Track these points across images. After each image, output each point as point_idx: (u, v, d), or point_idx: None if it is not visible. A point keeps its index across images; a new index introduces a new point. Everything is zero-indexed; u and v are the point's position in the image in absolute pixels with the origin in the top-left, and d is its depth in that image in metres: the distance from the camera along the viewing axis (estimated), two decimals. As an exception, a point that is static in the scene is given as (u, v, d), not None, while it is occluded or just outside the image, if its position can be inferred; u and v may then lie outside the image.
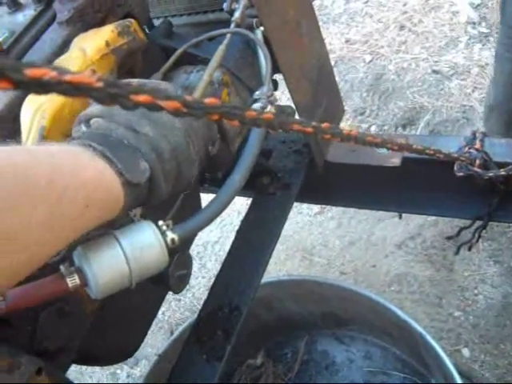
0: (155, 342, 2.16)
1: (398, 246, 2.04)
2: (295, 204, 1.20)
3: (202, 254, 2.38)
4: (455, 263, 1.91)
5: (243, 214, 1.16)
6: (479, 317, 1.76)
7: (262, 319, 1.72)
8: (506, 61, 1.74)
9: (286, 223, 1.13)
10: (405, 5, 2.91)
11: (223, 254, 2.31)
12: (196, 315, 1.04)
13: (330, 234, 2.22)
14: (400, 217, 1.46)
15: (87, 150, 0.55)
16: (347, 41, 2.93)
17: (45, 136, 0.67)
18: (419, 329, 1.35)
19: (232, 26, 0.93)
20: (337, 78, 1.28)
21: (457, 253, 1.36)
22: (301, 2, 1.05)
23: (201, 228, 0.65)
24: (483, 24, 2.63)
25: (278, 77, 1.03)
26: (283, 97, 2.31)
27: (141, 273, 0.57)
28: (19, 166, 0.41)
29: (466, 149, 1.06)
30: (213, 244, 2.41)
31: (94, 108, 0.65)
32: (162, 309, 2.20)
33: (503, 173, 1.01)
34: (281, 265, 2.20)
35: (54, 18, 0.82)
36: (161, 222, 0.60)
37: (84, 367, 2.21)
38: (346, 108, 1.39)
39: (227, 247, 1.09)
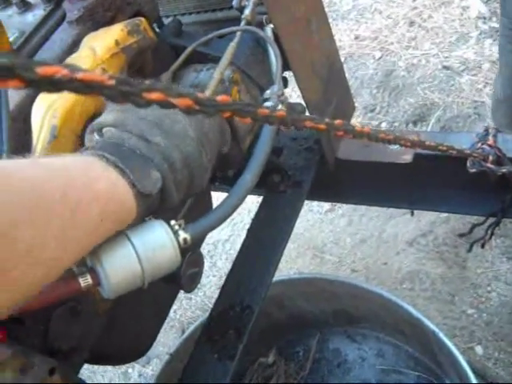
0: (167, 340, 2.17)
1: (409, 244, 2.03)
2: (306, 202, 1.20)
3: (213, 253, 2.38)
4: (468, 260, 1.89)
5: (254, 212, 1.16)
6: (493, 314, 1.74)
7: (274, 318, 1.72)
8: (509, 53, 1.73)
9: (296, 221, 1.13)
10: (414, 0, 2.89)
11: (234, 253, 2.30)
12: (207, 314, 1.03)
13: (340, 232, 2.21)
14: (412, 214, 1.44)
15: (100, 161, 0.55)
16: (356, 37, 2.91)
17: (56, 135, 0.67)
18: (432, 326, 1.34)
19: (242, 23, 0.93)
20: (346, 75, 1.27)
21: (470, 250, 1.35)
22: (310, -1, 1.04)
23: (213, 227, 0.65)
24: (494, 19, 2.61)
25: (288, 74, 1.02)
26: (293, 94, 2.30)
27: (153, 273, 0.57)
28: (34, 180, 0.42)
29: (479, 145, 1.05)
30: (223, 242, 2.41)
31: (107, 116, 0.65)
32: (174, 307, 2.20)
33: (517, 169, 1.00)
34: (292, 263, 2.19)
35: (63, 17, 0.82)
36: (173, 222, 0.60)
37: (96, 366, 2.22)
38: (356, 105, 1.38)
39: (238, 246, 1.09)
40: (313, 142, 1.26)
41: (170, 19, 1.06)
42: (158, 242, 0.57)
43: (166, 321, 1.06)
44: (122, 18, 0.83)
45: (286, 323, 1.77)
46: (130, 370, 2.19)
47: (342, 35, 2.91)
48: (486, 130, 1.09)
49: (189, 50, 0.90)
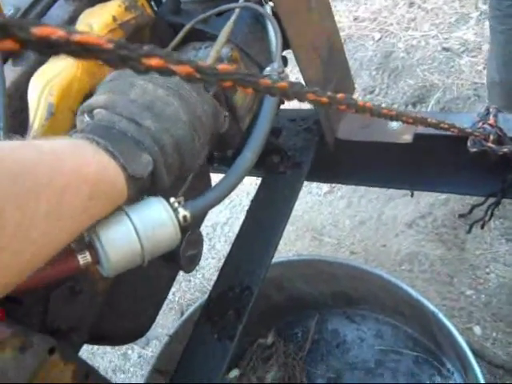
0: (166, 322, 2.17)
1: (408, 225, 2.03)
2: (305, 184, 1.19)
3: (212, 235, 2.38)
4: (467, 242, 1.89)
5: (252, 194, 1.16)
6: (491, 295, 1.75)
7: (273, 299, 1.72)
8: (499, 34, 1.72)
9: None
10: (414, -19, 2.86)
11: (232, 235, 2.31)
12: (207, 296, 1.03)
13: (339, 214, 2.21)
14: (412, 195, 1.44)
15: (91, 144, 0.55)
16: (355, 19, 2.89)
17: (53, 112, 0.66)
18: (432, 307, 1.34)
19: (240, 0, 0.91)
20: (346, 56, 1.26)
21: (469, 231, 1.35)
22: (310, -24, 1.03)
23: (213, 205, 0.64)
24: (494, -1, 2.59)
25: (287, 55, 1.01)
26: (291, 76, 2.28)
27: (153, 250, 0.57)
28: (22, 163, 0.42)
29: (480, 124, 1.05)
30: (222, 225, 2.41)
31: (98, 98, 0.65)
32: (173, 290, 2.21)
33: (518, 148, 1.00)
34: (291, 245, 2.19)
35: (59, -7, 0.81)
36: (172, 199, 0.59)
37: (95, 348, 2.23)
38: (355, 86, 1.37)
39: (236, 228, 1.08)
40: (312, 123, 1.25)
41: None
42: (157, 219, 0.57)
43: (165, 303, 1.06)
44: (119, -6, 0.81)
45: (284, 305, 1.77)
46: (129, 352, 2.20)
47: (341, 16, 2.89)
48: (487, 109, 1.08)
49: (187, 27, 0.89)
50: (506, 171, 1.09)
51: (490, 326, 1.69)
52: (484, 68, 2.36)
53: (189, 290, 2.28)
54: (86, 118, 0.65)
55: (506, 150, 1.00)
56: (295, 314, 1.80)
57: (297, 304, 1.77)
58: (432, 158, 1.19)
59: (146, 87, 0.65)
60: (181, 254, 0.74)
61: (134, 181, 0.57)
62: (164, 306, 1.09)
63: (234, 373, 1.72)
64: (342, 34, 2.72)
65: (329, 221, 2.21)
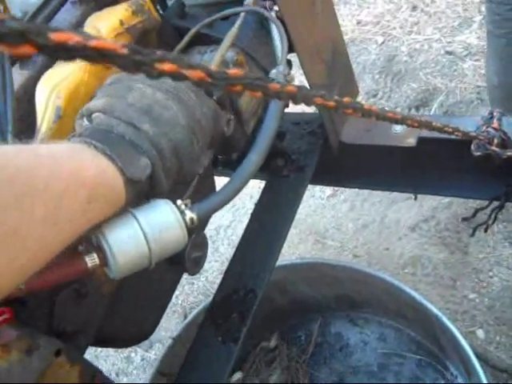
0: (169, 325, 2.17)
1: (411, 229, 2.03)
2: (308, 187, 1.19)
3: (215, 238, 2.38)
4: (470, 245, 1.89)
5: (255, 197, 1.16)
6: (494, 299, 1.75)
7: (276, 302, 1.72)
8: (498, 38, 1.71)
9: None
10: (417, -15, 2.87)
11: (236, 238, 2.31)
12: (211, 298, 1.04)
13: (342, 217, 2.21)
14: (415, 198, 1.44)
15: (89, 148, 0.55)
16: (359, 22, 2.89)
17: (61, 116, 0.66)
18: (435, 310, 1.34)
19: (245, 3, 0.92)
20: (349, 60, 1.26)
21: (473, 234, 1.35)
22: (315, -19, 1.03)
23: (219, 207, 0.65)
24: (497, 3, 2.59)
25: (291, 58, 1.02)
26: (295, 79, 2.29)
27: (160, 253, 0.57)
28: (21, 168, 0.42)
29: (484, 128, 1.05)
30: (225, 228, 2.41)
31: (96, 102, 0.65)
32: (176, 293, 2.20)
33: (522, 152, 1.00)
34: (294, 248, 2.19)
35: (66, -3, 0.81)
36: (179, 202, 0.60)
37: (98, 350, 2.23)
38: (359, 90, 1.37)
39: (239, 231, 1.09)
40: (316, 126, 1.25)
41: (172, 1, 1.05)
42: (164, 222, 0.57)
43: (169, 306, 1.06)
44: (125, -2, 0.82)
45: (288, 308, 1.77)
46: (132, 355, 2.20)
47: (344, 20, 2.90)
48: (491, 113, 1.08)
49: (193, 31, 0.90)
50: (510, 175, 1.09)
51: (493, 330, 1.69)
52: (487, 71, 2.36)
53: (192, 293, 2.28)
54: (85, 121, 0.65)
55: (510, 153, 1.00)
56: (298, 317, 1.80)
57: (300, 307, 1.77)
58: (436, 162, 1.19)
59: (145, 91, 0.65)
60: (186, 257, 0.75)
61: (133, 184, 0.57)
62: (167, 309, 1.09)
63: (237, 375, 1.72)
64: (344, 37, 2.72)
65: (332, 224, 2.21)
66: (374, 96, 2.52)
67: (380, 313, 1.67)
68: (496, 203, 1.18)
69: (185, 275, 1.05)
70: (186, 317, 2.17)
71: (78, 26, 0.76)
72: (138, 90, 0.65)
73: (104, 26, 0.73)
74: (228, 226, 2.41)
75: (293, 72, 1.07)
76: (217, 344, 0.96)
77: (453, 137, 0.91)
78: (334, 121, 1.15)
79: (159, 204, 0.59)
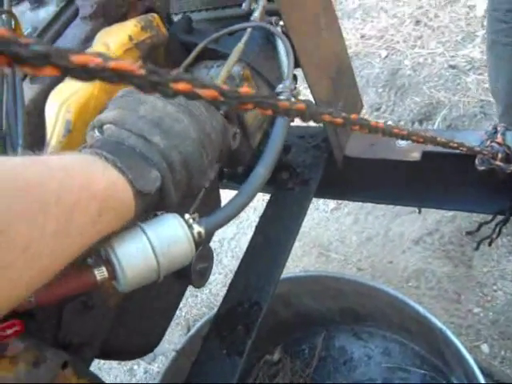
0: (172, 338, 2.17)
1: (415, 242, 2.03)
2: (312, 200, 1.20)
3: (219, 251, 2.39)
4: (474, 259, 1.89)
5: (259, 210, 1.17)
6: (499, 313, 1.74)
7: (280, 316, 1.72)
8: (504, 46, 1.70)
9: (303, 219, 1.13)
10: (420, -1, 2.89)
11: (239, 251, 2.31)
12: (215, 311, 1.04)
13: (346, 230, 2.21)
14: (419, 211, 1.45)
15: (100, 160, 0.56)
16: (362, 36, 2.91)
17: (70, 130, 0.67)
18: (439, 324, 1.34)
19: (252, 19, 0.93)
20: (353, 74, 1.27)
21: (477, 248, 1.35)
22: (320, -4, 1.04)
23: (227, 221, 0.65)
24: (500, 18, 2.60)
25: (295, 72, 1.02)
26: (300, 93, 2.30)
27: (168, 266, 0.57)
28: (32, 180, 0.42)
29: (488, 142, 1.05)
30: (229, 240, 2.41)
31: (108, 114, 0.65)
32: (179, 305, 2.21)
33: (526, 167, 1.00)
34: (297, 261, 2.19)
35: (76, 13, 0.82)
36: (187, 216, 0.60)
37: (101, 363, 2.23)
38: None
39: (243, 243, 1.09)
40: (321, 140, 1.26)
41: (179, 16, 1.06)
42: (172, 236, 0.57)
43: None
44: (134, 14, 0.83)
45: (292, 321, 1.77)
46: (135, 367, 2.20)
47: (348, 34, 2.91)
48: (495, 127, 1.09)
49: (200, 46, 0.91)
50: (514, 189, 1.09)
51: (497, 344, 1.69)
52: (490, 86, 2.37)
53: (195, 306, 2.28)
54: (96, 133, 0.66)
55: (514, 168, 1.01)
56: (302, 330, 1.80)
57: (304, 320, 1.76)
58: (440, 176, 1.19)
59: (156, 104, 0.66)
60: (192, 269, 0.75)
61: (142, 196, 0.58)
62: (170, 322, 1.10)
63: (241, 389, 1.71)
64: (348, 51, 2.74)
65: (335, 237, 2.21)
66: (378, 110, 2.53)
67: (384, 326, 1.66)
68: (500, 217, 1.18)
69: (188, 287, 1.05)
70: (189, 329, 2.17)
71: (88, 41, 0.78)
72: (150, 103, 0.65)
73: (113, 41, 0.74)
74: (232, 239, 2.41)
75: (297, 86, 1.08)
76: (222, 357, 0.96)
77: (457, 151, 0.92)
78: (339, 135, 1.16)
79: (168, 218, 0.59)
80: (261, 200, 2.19)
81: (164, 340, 1.03)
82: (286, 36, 0.93)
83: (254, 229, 1.14)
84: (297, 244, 2.20)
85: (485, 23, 2.58)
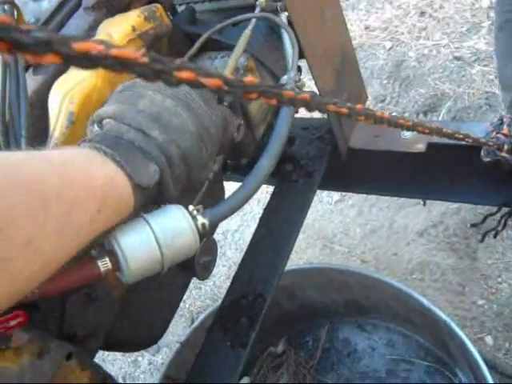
0: (176, 330, 2.18)
1: (419, 234, 2.02)
2: (316, 192, 1.20)
3: (222, 243, 2.39)
4: (478, 251, 1.89)
5: (263, 202, 1.17)
6: (503, 305, 1.74)
7: (284, 308, 1.72)
8: None
9: (307, 211, 1.13)
10: (425, -10, 2.87)
11: (243, 243, 2.31)
12: (219, 303, 1.04)
13: (350, 222, 2.21)
14: (424, 203, 1.44)
15: (99, 154, 0.56)
16: (367, 27, 2.90)
17: (73, 121, 0.67)
18: (444, 316, 1.34)
19: (256, 10, 0.92)
20: (357, 65, 1.27)
21: (482, 240, 1.35)
22: (325, -13, 1.04)
23: (231, 213, 0.65)
24: (506, 9, 2.58)
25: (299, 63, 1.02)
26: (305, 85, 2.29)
27: (172, 258, 0.57)
28: (33, 174, 0.43)
29: (494, 134, 1.05)
30: (233, 233, 2.41)
31: (107, 109, 0.65)
32: (183, 297, 2.22)
33: (532, 158, 1.00)
34: (301, 253, 2.19)
35: (79, 4, 0.82)
36: (191, 207, 0.60)
37: (106, 354, 2.23)
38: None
39: (247, 236, 1.09)
40: (325, 132, 1.25)
41: (182, 7, 1.05)
42: (176, 227, 0.57)
43: (175, 310, 1.07)
44: (137, 5, 0.83)
45: (296, 313, 1.77)
46: (139, 359, 2.21)
47: (352, 25, 2.90)
48: (501, 119, 1.08)
49: (204, 37, 0.90)
50: (520, 181, 1.09)
51: (502, 337, 1.68)
52: (495, 77, 2.35)
53: (199, 298, 2.29)
54: (96, 127, 0.66)
55: (519, 159, 1.00)
56: (306, 322, 1.80)
57: (308, 312, 1.77)
58: (445, 168, 1.19)
59: (155, 98, 0.65)
60: (195, 262, 0.75)
61: (141, 190, 0.58)
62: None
63: (245, 380, 1.72)
64: (353, 42, 2.73)
65: (339, 229, 2.21)
66: (382, 101, 2.52)
67: (388, 318, 1.66)
68: (505, 209, 1.17)
69: (192, 279, 1.05)
70: (193, 321, 2.18)
71: (91, 31, 0.77)
72: (148, 97, 0.65)
73: (116, 31, 0.73)
74: (236, 231, 2.41)
75: (302, 77, 1.08)
76: (225, 349, 0.96)
77: (462, 143, 0.91)
78: (343, 126, 1.15)
79: (171, 209, 0.59)
80: (264, 192, 2.18)
81: (168, 332, 1.03)
82: (290, 26, 0.92)
83: (257, 221, 1.13)
84: (300, 236, 2.19)
85: (491, 14, 2.57)
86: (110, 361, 2.25)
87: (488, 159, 1.03)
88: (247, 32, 0.87)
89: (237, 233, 2.40)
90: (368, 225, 2.16)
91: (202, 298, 2.28)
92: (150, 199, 0.61)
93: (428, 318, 1.41)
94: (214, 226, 0.62)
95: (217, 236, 2.38)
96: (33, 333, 0.66)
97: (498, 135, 1.04)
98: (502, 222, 1.21)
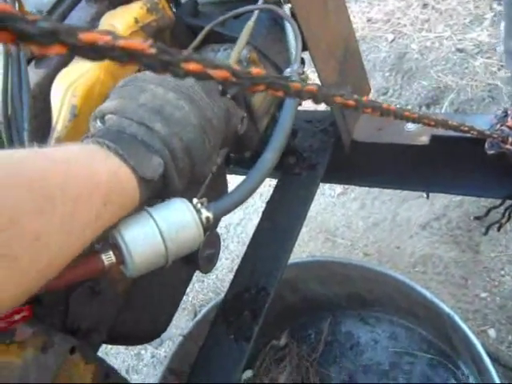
0: (179, 323, 2.18)
1: (422, 227, 2.02)
2: (319, 185, 1.19)
3: (225, 236, 2.39)
4: (481, 244, 1.88)
5: (265, 195, 1.16)
6: (506, 298, 1.74)
7: (287, 301, 1.72)
8: None
9: (309, 204, 1.13)
10: (428, -18, 2.85)
11: (246, 236, 2.31)
12: (221, 296, 1.04)
13: (353, 215, 2.20)
14: (427, 196, 1.43)
15: (102, 149, 0.56)
16: (369, 20, 2.88)
17: (76, 114, 0.66)
18: (447, 309, 1.34)
19: (260, 2, 0.92)
20: (360, 57, 1.26)
21: (486, 233, 1.34)
22: (328, -22, 1.03)
23: (235, 206, 0.65)
24: (509, 0, 2.57)
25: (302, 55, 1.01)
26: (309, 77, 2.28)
27: (177, 251, 0.57)
28: (37, 173, 0.43)
29: (498, 126, 1.04)
30: (235, 226, 2.41)
31: (108, 104, 0.65)
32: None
33: (537, 150, 0.99)
34: (304, 246, 2.19)
35: (80, -4, 0.81)
36: (195, 200, 0.60)
37: (109, 348, 2.24)
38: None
39: (250, 229, 1.09)
40: (328, 124, 1.25)
41: (185, -1, 1.05)
42: (181, 221, 0.57)
43: (178, 303, 1.07)
44: (139, -3, 0.82)
45: (298, 306, 1.77)
46: (142, 352, 2.21)
47: (355, 17, 2.88)
48: (505, 111, 1.08)
49: (206, 29, 0.89)
50: (524, 173, 1.08)
51: (504, 329, 1.68)
52: (498, 69, 2.34)
53: (202, 291, 2.29)
54: (98, 123, 0.66)
55: (524, 152, 1.00)
56: (309, 315, 1.80)
57: (311, 305, 1.77)
58: (449, 160, 1.18)
59: (156, 91, 0.65)
60: (199, 255, 0.75)
61: (146, 183, 0.57)
62: (177, 307, 1.11)
63: (248, 373, 1.72)
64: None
65: (342, 222, 2.21)
66: (385, 94, 2.51)
67: (391, 311, 1.66)
68: (509, 202, 1.17)
69: (195, 273, 1.05)
70: (196, 314, 2.18)
71: (93, 23, 0.77)
72: (150, 91, 0.65)
73: (119, 23, 0.73)
74: (238, 224, 2.41)
75: (305, 70, 1.07)
76: (229, 342, 0.96)
77: (466, 135, 0.90)
78: (346, 119, 1.15)
79: (175, 203, 0.59)
80: (267, 185, 2.18)
81: (171, 325, 1.03)
82: (293, 18, 0.92)
83: (260, 214, 1.13)
84: (303, 229, 2.17)
85: (493, 6, 2.55)
86: (113, 354, 2.25)
87: (492, 152, 1.02)
88: (250, 24, 0.86)
89: (239, 226, 2.40)
90: (371, 218, 2.16)
91: (205, 291, 2.28)
92: (154, 193, 0.61)
93: (431, 310, 1.41)
94: (217, 220, 0.62)
95: (219, 229, 2.36)
96: (37, 327, 0.65)
97: (503, 127, 1.03)
98: (506, 214, 1.20)
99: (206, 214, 0.59)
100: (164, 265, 0.58)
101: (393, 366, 1.62)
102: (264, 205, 1.14)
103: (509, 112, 1.06)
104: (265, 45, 0.93)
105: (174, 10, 1.01)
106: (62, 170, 0.46)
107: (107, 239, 0.57)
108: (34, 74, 0.71)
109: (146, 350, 2.21)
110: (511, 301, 1.72)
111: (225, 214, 0.65)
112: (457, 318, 1.32)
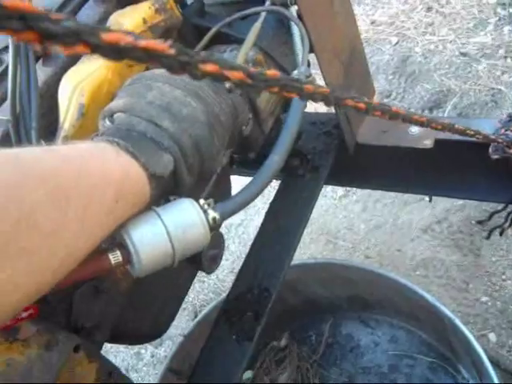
0: (179, 323, 2.18)
1: (424, 230, 2.02)
2: (322, 187, 1.19)
3: (226, 237, 2.37)
4: (482, 248, 1.88)
5: (267, 196, 1.16)
6: (507, 302, 1.74)
7: (288, 302, 1.72)
8: None
9: (312, 206, 1.13)
10: (432, -15, 2.85)
11: (247, 237, 2.31)
12: (222, 296, 1.04)
13: (354, 218, 2.20)
14: (430, 199, 1.44)
15: (113, 146, 0.56)
16: (373, 22, 2.88)
17: (84, 113, 0.67)
18: (447, 312, 1.34)
19: (266, 3, 0.92)
20: (364, 60, 1.26)
21: (488, 237, 1.34)
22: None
23: (242, 207, 0.65)
24: (513, 5, 2.58)
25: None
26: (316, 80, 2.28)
27: (183, 252, 0.57)
28: (50, 169, 0.43)
29: (502, 131, 1.04)
30: (236, 226, 2.41)
31: (117, 102, 0.66)
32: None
33: (541, 156, 0.99)
34: (305, 248, 2.19)
35: (89, -5, 0.82)
36: (202, 201, 0.60)
37: (108, 346, 2.24)
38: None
39: (251, 229, 1.09)
40: (332, 127, 1.25)
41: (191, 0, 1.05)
42: (188, 221, 0.57)
43: (179, 304, 1.07)
44: (147, -3, 0.82)
45: (299, 308, 1.77)
46: (142, 351, 2.21)
47: (358, 20, 2.88)
48: (510, 116, 1.08)
49: (213, 30, 0.90)
50: (528, 178, 1.08)
51: (505, 334, 1.68)
52: (502, 73, 2.35)
53: (202, 291, 2.29)
54: (107, 122, 0.66)
55: (528, 157, 1.00)
56: (309, 317, 1.80)
57: (312, 307, 1.77)
58: (452, 164, 1.18)
59: (164, 89, 0.65)
60: (203, 255, 0.75)
61: (156, 180, 0.58)
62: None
63: (248, 374, 1.72)
64: (359, 37, 2.73)
65: (344, 224, 2.21)
66: (388, 97, 2.51)
67: (391, 314, 1.67)
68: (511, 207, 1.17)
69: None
70: (196, 315, 2.18)
71: (101, 22, 0.77)
72: (157, 89, 0.65)
73: (127, 23, 0.73)
74: (239, 225, 2.41)
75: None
76: (231, 342, 0.96)
77: (470, 139, 0.90)
78: (351, 121, 1.15)
79: (183, 203, 0.59)
80: (269, 187, 2.17)
81: (171, 325, 1.03)
82: (300, 20, 0.92)
83: (261, 215, 1.13)
84: (305, 231, 2.19)
85: (497, 10, 2.56)
86: (113, 352, 2.25)
87: (496, 156, 1.03)
88: (257, 25, 0.86)
89: (240, 227, 2.40)
90: (372, 220, 2.16)
91: (206, 291, 2.28)
92: (165, 190, 0.61)
93: (432, 314, 1.41)
94: (224, 221, 0.62)
95: (220, 230, 2.38)
96: (41, 325, 0.66)
97: (507, 132, 1.03)
98: (509, 219, 1.20)
99: (212, 214, 0.59)
100: (171, 265, 0.58)
101: (392, 369, 1.62)
102: (265, 205, 1.14)
103: (513, 117, 1.06)
104: (271, 46, 0.93)
105: (181, 10, 1.01)
106: (75, 167, 0.46)
107: (114, 238, 0.57)
108: (42, 73, 0.71)
109: (146, 350, 2.20)
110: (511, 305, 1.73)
111: (231, 215, 0.65)
112: (457, 322, 1.32)
